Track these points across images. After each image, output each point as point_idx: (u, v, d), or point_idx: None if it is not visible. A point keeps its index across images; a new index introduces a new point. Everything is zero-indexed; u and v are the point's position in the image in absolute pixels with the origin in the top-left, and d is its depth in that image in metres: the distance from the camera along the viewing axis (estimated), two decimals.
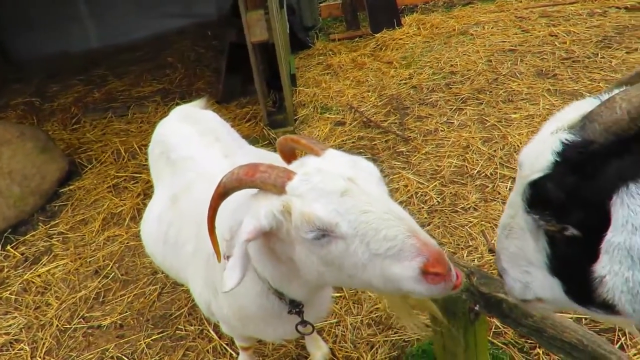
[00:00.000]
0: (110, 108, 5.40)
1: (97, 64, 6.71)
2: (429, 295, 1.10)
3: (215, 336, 2.63)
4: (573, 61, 4.55)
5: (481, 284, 1.71)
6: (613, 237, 0.77)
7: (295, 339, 2.53)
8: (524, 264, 1.02)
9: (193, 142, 2.07)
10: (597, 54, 4.57)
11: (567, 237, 0.87)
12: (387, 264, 1.07)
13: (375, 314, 2.60)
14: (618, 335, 2.23)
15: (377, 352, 2.40)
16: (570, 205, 0.83)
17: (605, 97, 0.87)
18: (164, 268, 2.15)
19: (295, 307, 1.53)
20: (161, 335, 2.72)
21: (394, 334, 2.46)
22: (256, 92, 4.33)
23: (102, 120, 5.22)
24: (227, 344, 2.57)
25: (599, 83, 4.13)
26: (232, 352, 2.52)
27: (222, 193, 1.26)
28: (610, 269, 0.77)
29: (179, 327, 2.75)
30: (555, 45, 4.89)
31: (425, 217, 3.16)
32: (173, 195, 2.02)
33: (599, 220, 0.79)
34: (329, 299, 1.84)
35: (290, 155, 1.47)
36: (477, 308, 1.73)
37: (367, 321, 2.58)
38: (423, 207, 3.25)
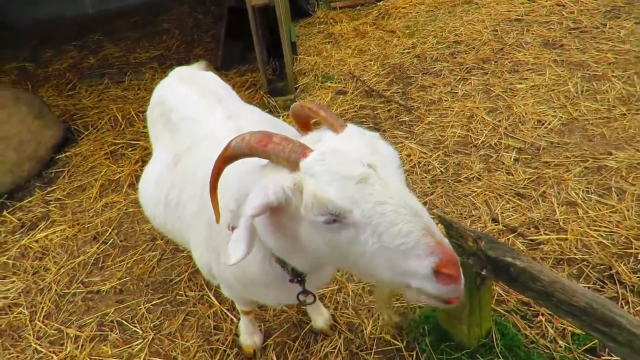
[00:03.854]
0: (106, 74, 5.27)
1: (92, 29, 6.53)
2: (437, 295, 1.04)
3: (215, 302, 2.62)
4: (580, 31, 4.45)
5: (489, 248, 1.68)
6: None
7: (296, 305, 2.52)
8: None
9: (194, 103, 2.01)
10: (606, 24, 4.46)
11: None
12: (398, 259, 1.03)
13: None
14: (621, 304, 2.23)
15: (378, 318, 2.39)
16: None
17: None
18: (164, 231, 2.11)
19: (297, 276, 1.50)
20: (161, 300, 2.71)
21: (396, 301, 2.45)
22: (256, 60, 4.22)
23: (98, 86, 5.11)
24: (227, 310, 2.56)
25: (606, 54, 4.05)
26: (233, 318, 2.51)
27: (229, 157, 1.19)
28: None
29: (179, 292, 2.73)
30: (563, 15, 4.76)
31: (428, 187, 3.13)
32: (175, 156, 1.96)
33: None
34: (332, 268, 1.81)
35: (304, 124, 1.40)
36: (484, 273, 1.71)
37: (368, 288, 2.57)
38: (426, 177, 3.21)
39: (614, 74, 3.79)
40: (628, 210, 2.68)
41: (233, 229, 1.18)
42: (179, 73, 2.31)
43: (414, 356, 2.16)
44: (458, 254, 1.79)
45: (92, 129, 4.41)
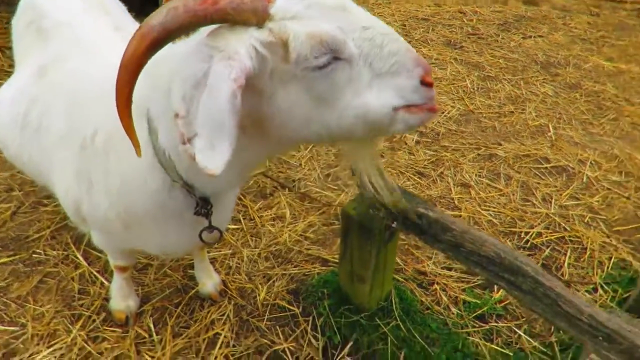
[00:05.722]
0: None
1: None
2: (425, 102, 0.99)
3: (83, 262, 2.22)
4: (478, 37, 4.77)
5: (401, 200, 1.60)
6: None
7: (183, 266, 2.24)
8: None
9: (74, 9, 1.65)
10: (499, 35, 4.85)
11: None
12: (389, 81, 0.96)
13: (274, 247, 2.41)
14: None
15: (273, 285, 2.21)
16: None
17: None
18: (20, 164, 1.71)
19: (205, 206, 1.26)
20: (11, 259, 2.22)
21: (294, 267, 2.30)
22: None
23: None
24: (98, 271, 2.19)
25: (499, 59, 4.37)
26: (104, 281, 2.14)
27: (156, 40, 0.85)
28: None
29: (37, 251, 2.27)
30: (464, 21, 5.08)
31: (332, 159, 3.04)
32: (40, 67, 1.58)
33: None
34: (233, 205, 1.60)
35: None
36: (394, 225, 1.63)
37: (265, 254, 2.38)
38: (331, 150, 3.12)
39: (504, 77, 4.10)
40: (513, 194, 2.85)
41: (190, 140, 0.87)
42: None
43: (310, 321, 2.02)
44: (369, 207, 1.69)
45: None
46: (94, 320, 1.98)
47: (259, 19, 0.89)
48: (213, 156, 0.86)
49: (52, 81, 1.52)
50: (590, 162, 3.13)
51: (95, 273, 2.18)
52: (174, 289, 2.17)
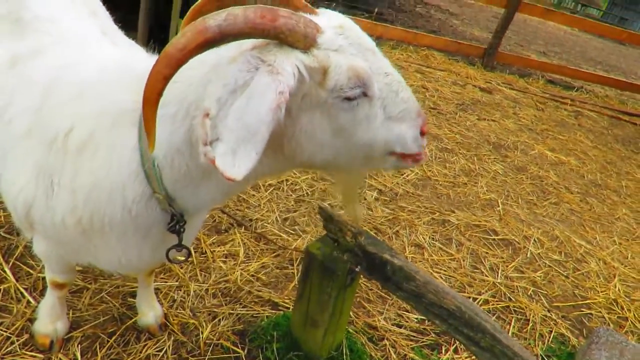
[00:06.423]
0: None
1: None
2: (418, 150, 1.12)
3: (11, 277, 2.01)
4: (438, 112, 5.08)
5: (369, 244, 1.60)
6: None
7: (123, 294, 2.08)
8: None
9: (60, 4, 1.61)
10: (457, 113, 5.19)
11: None
12: (395, 125, 1.07)
13: (224, 285, 2.30)
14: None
15: (219, 323, 2.09)
16: None
17: None
18: None
19: (180, 221, 1.21)
20: None
21: (243, 307, 2.19)
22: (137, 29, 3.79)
23: None
24: (26, 289, 1.98)
25: (455, 135, 4.65)
26: (31, 300, 1.94)
27: (210, 39, 0.87)
28: None
29: None
30: (426, 96, 5.41)
31: (292, 205, 3.03)
32: (13, 57, 1.50)
33: None
34: (200, 225, 1.53)
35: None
36: (357, 269, 1.62)
37: (213, 291, 2.26)
38: (291, 195, 3.11)
39: (460, 151, 4.34)
40: (464, 260, 2.93)
41: (212, 142, 0.89)
42: None
43: None
44: (333, 249, 1.67)
45: None
46: (12, 343, 1.77)
47: (307, 44, 0.96)
48: (234, 162, 0.88)
49: (23, 73, 1.44)
50: (534, 240, 3.30)
51: (22, 290, 1.97)
52: (109, 316, 1.99)
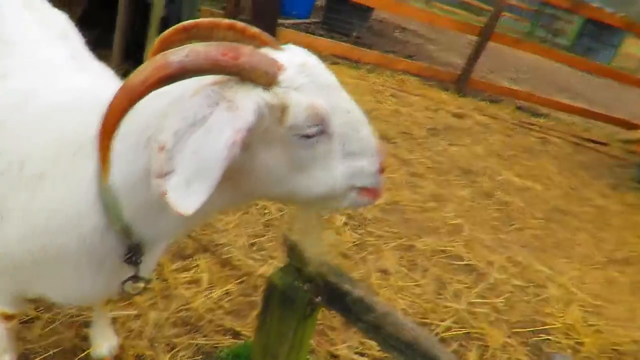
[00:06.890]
0: None
1: None
2: (377, 186, 1.14)
3: None
4: (410, 137, 5.17)
5: (330, 273, 1.60)
6: None
7: (77, 324, 2.01)
8: None
9: (31, 28, 1.59)
10: (428, 138, 5.29)
11: None
12: (354, 162, 1.09)
13: (185, 313, 2.26)
14: None
15: (177, 355, 2.04)
16: None
17: None
18: None
19: (137, 253, 1.19)
20: None
21: (203, 337, 2.15)
22: (108, 56, 3.76)
23: None
24: None
25: (427, 158, 4.74)
26: None
27: (170, 75, 0.86)
28: None
29: None
30: (399, 120, 5.51)
31: (261, 229, 3.01)
32: None
33: None
34: (160, 254, 1.50)
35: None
36: (318, 300, 1.61)
37: (173, 320, 2.21)
38: (260, 219, 3.10)
39: (430, 176, 4.42)
40: (428, 286, 2.95)
41: (166, 174, 0.87)
42: None
43: None
44: (294, 279, 1.67)
45: None
46: None
47: (268, 81, 0.97)
48: (186, 196, 0.87)
49: None
50: (498, 265, 3.36)
51: None
52: (61, 349, 1.92)
